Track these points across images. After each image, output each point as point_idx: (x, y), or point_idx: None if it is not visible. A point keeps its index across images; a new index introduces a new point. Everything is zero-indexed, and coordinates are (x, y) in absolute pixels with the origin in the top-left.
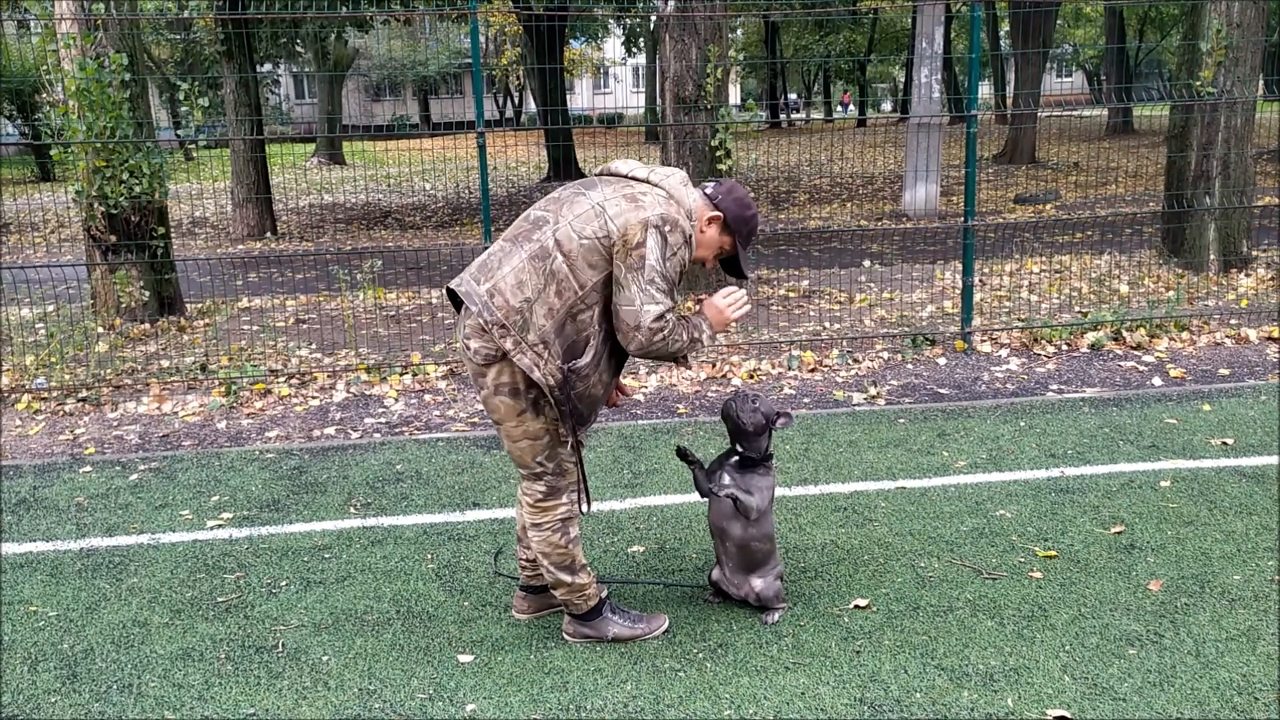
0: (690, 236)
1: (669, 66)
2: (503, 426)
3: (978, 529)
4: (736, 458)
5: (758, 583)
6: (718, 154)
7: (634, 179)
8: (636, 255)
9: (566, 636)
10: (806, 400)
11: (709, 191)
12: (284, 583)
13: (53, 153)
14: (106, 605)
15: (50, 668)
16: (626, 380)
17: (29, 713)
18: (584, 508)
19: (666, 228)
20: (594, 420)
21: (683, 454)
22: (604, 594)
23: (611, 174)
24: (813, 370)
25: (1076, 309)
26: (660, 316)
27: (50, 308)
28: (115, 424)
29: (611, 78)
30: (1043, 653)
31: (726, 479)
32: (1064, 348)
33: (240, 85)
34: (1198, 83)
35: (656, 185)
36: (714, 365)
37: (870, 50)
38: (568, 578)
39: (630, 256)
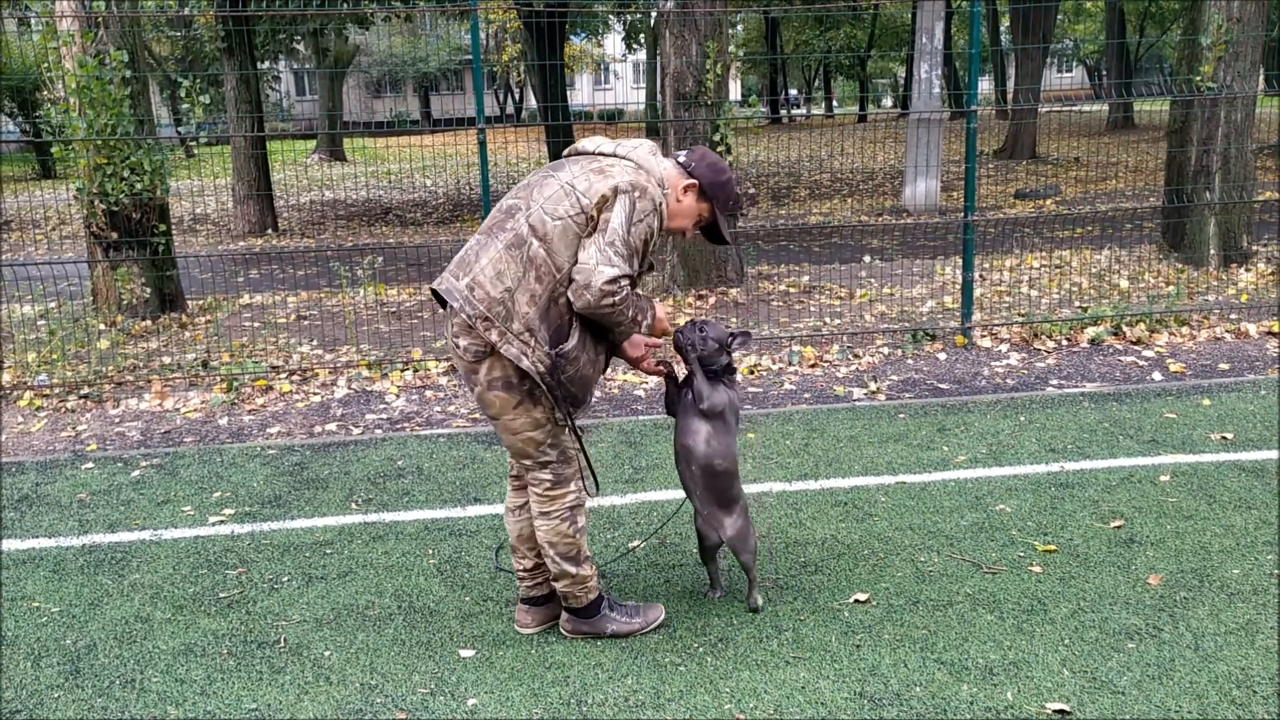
0: (660, 205)
1: (669, 62)
2: (500, 421)
3: (977, 523)
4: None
5: (729, 523)
6: (718, 149)
7: (601, 154)
8: (602, 219)
9: (565, 632)
10: (807, 395)
11: (682, 160)
12: (286, 578)
13: (54, 150)
14: (109, 601)
15: (53, 663)
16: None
17: (32, 708)
18: (592, 490)
19: (636, 193)
20: (589, 401)
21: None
22: (601, 592)
23: (579, 153)
24: (813, 365)
25: (1076, 304)
26: (614, 280)
27: (52, 304)
28: (117, 420)
29: (612, 74)
30: (1042, 647)
31: (688, 395)
32: (1064, 343)
33: (241, 82)
34: (1198, 78)
35: (624, 157)
36: None
37: (871, 46)
38: (573, 569)
39: (597, 221)
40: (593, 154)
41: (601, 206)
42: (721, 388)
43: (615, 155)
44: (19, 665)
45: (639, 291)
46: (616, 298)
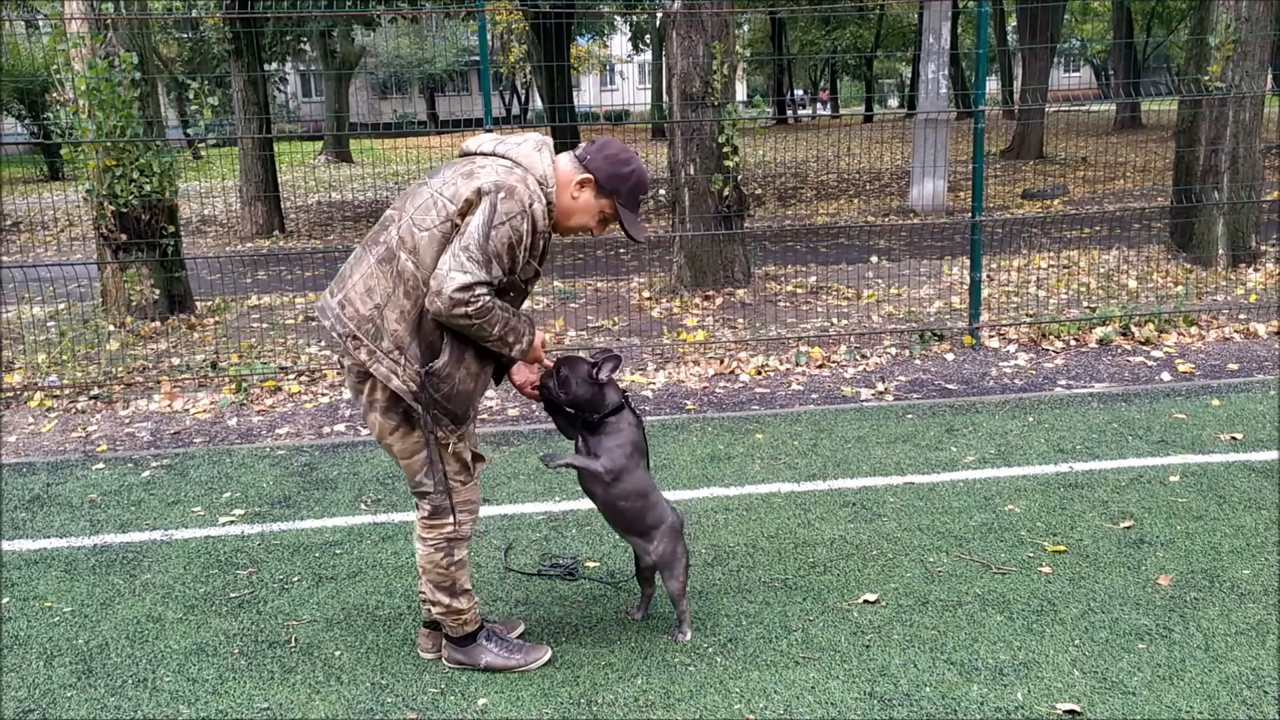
0: (530, 205)
1: (676, 63)
2: (383, 444)
3: (986, 524)
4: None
5: (652, 549)
6: (724, 150)
7: (480, 154)
8: (464, 223)
9: (445, 661)
10: (814, 396)
11: (578, 153)
12: (296, 578)
13: (63, 152)
14: (120, 601)
15: (65, 663)
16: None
17: (45, 708)
18: (464, 531)
19: (500, 194)
20: (473, 418)
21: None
22: (481, 623)
23: (463, 153)
24: (820, 366)
25: (1085, 304)
26: (466, 287)
27: (61, 306)
28: (127, 421)
29: (618, 75)
30: (1052, 647)
31: (579, 438)
32: (1072, 343)
33: (248, 84)
34: (1206, 77)
35: (502, 155)
36: (721, 361)
37: (877, 46)
38: (446, 599)
39: (461, 226)
40: (474, 154)
41: (465, 211)
42: (605, 441)
43: (493, 154)
44: (32, 665)
45: (519, 312)
46: (470, 307)
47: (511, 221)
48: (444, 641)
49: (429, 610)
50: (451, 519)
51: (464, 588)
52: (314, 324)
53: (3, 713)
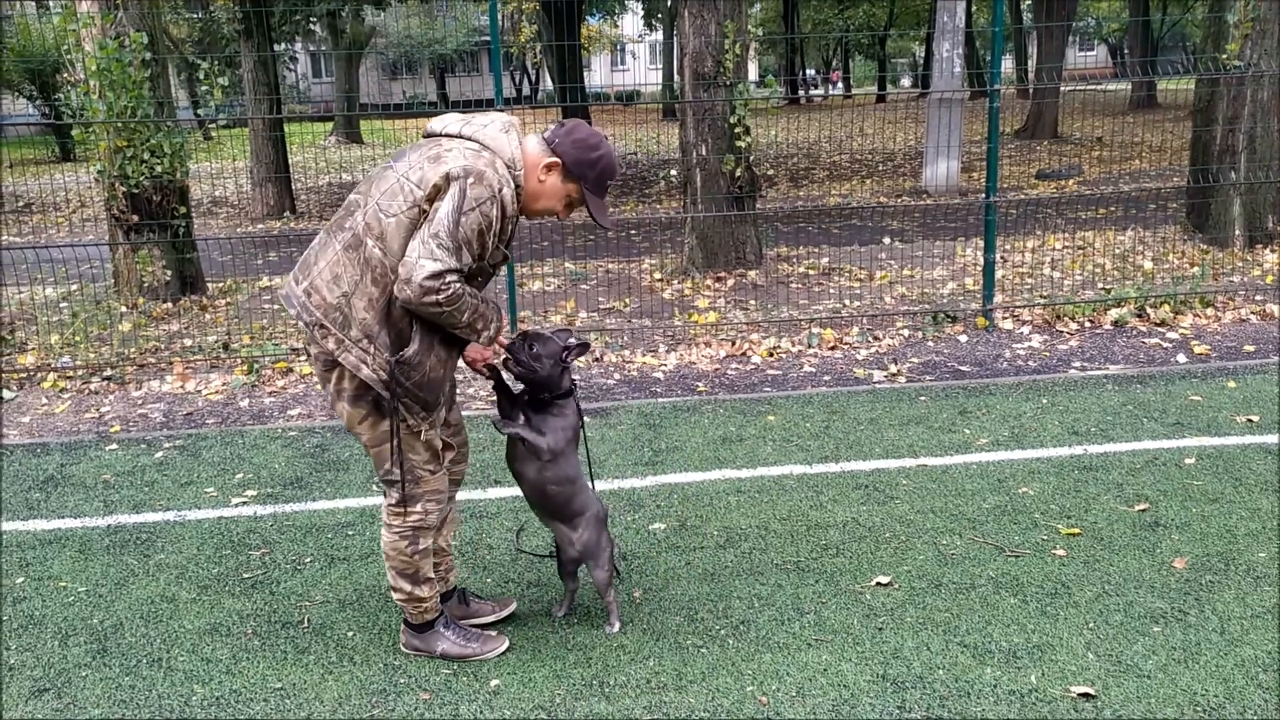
0: (499, 190)
1: (688, 42)
2: (353, 433)
3: (1000, 506)
4: (528, 395)
5: (575, 537)
6: (736, 131)
7: (446, 135)
8: (433, 209)
9: (403, 648)
10: (827, 378)
11: (546, 135)
12: (308, 559)
13: (74, 132)
14: (135, 581)
15: (80, 642)
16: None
17: (60, 686)
18: (431, 519)
19: (469, 180)
20: (442, 405)
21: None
22: (441, 611)
23: (428, 135)
24: (833, 348)
25: (1099, 285)
26: (437, 275)
27: (74, 287)
28: (140, 402)
29: (628, 54)
30: (1066, 630)
31: (521, 416)
32: (1087, 324)
33: (258, 64)
34: (1224, 56)
35: (469, 138)
36: (733, 343)
37: (890, 24)
38: (407, 586)
39: (429, 212)
40: (440, 135)
41: (433, 197)
42: (551, 420)
43: (459, 136)
44: (47, 644)
45: (486, 298)
46: (440, 295)
47: (481, 207)
48: (402, 627)
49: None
50: (419, 507)
51: (426, 576)
52: None
53: (19, 691)
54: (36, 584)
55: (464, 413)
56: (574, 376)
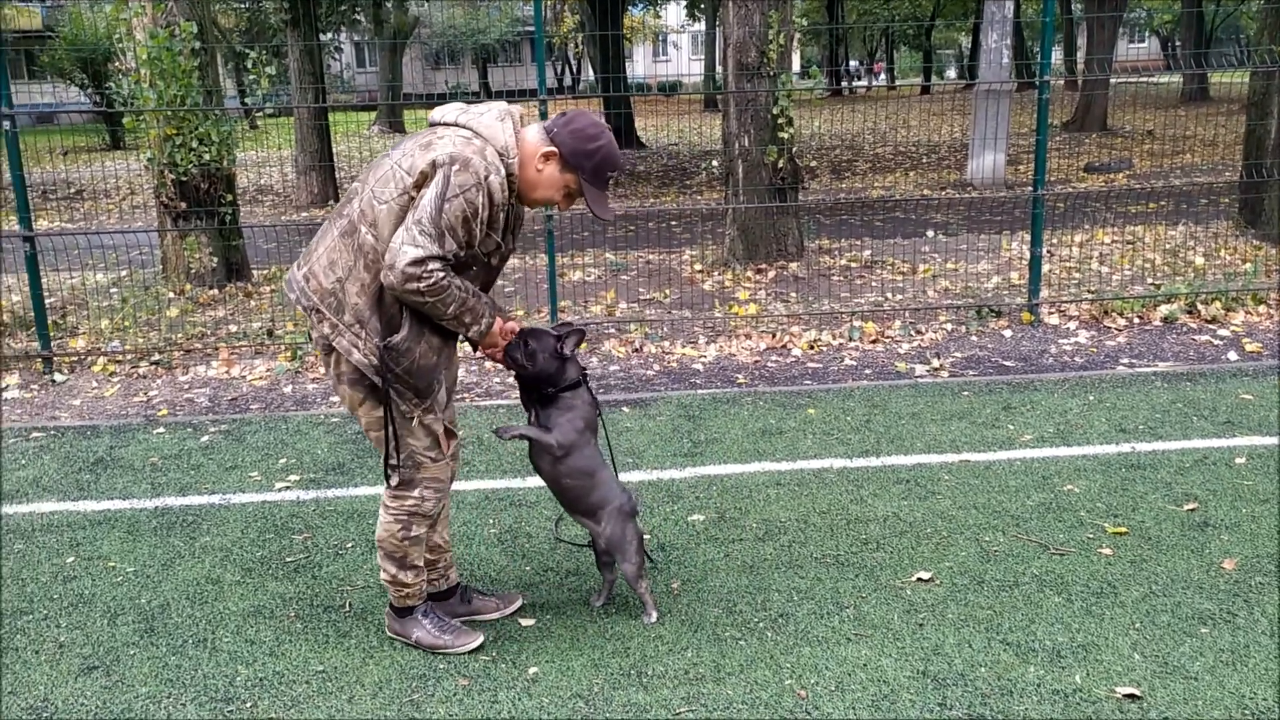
0: (486, 178)
1: (731, 32)
2: (354, 415)
3: (1044, 504)
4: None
5: (599, 530)
6: (779, 122)
7: (442, 124)
8: (418, 195)
9: (387, 630)
10: (868, 371)
11: (547, 124)
12: (350, 544)
13: (125, 120)
14: (181, 562)
15: (128, 621)
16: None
17: (109, 664)
18: (429, 507)
19: (454, 166)
20: (437, 390)
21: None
22: (424, 599)
23: (431, 124)
24: (874, 341)
25: (1149, 281)
26: (418, 262)
27: (123, 273)
28: (186, 387)
29: (670, 45)
30: (1112, 630)
31: (532, 413)
32: (1135, 321)
33: (304, 54)
34: (1279, 48)
35: (463, 126)
36: (774, 335)
37: (935, 15)
38: (393, 569)
39: (416, 198)
40: (438, 124)
41: (421, 184)
42: (557, 414)
43: (455, 124)
44: (96, 622)
45: (479, 293)
46: (422, 282)
47: (466, 194)
48: (387, 609)
49: (431, 581)
50: (416, 493)
51: (413, 563)
52: None
53: (69, 668)
54: (86, 563)
55: (504, 402)
56: (583, 367)
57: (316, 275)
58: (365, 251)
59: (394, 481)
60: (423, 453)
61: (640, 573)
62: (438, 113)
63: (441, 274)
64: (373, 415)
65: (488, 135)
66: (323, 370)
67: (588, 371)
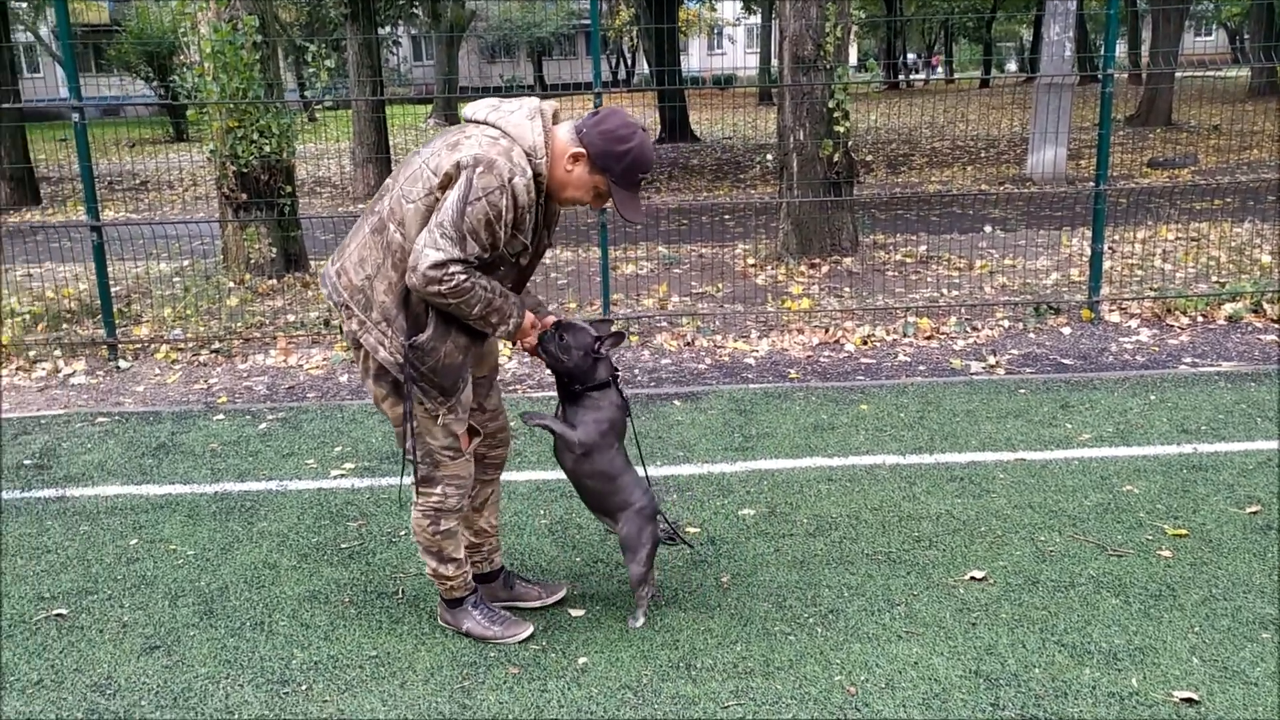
0: (510, 180)
1: (788, 25)
2: (380, 410)
3: (1102, 504)
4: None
5: (617, 527)
6: (835, 115)
7: (473, 121)
8: (443, 197)
9: (440, 620)
10: (922, 368)
11: (577, 124)
12: (403, 532)
13: (188, 113)
14: (239, 547)
15: (189, 603)
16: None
17: (169, 645)
18: (453, 504)
19: (477, 169)
20: (462, 389)
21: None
22: (473, 589)
23: (465, 120)
24: (929, 337)
25: (1214, 279)
26: (439, 265)
27: (185, 263)
28: (245, 375)
29: (725, 38)
30: (1170, 633)
31: (559, 407)
32: (1199, 319)
33: (362, 47)
34: None
35: (492, 124)
36: (826, 330)
37: (996, 7)
38: (433, 563)
39: (441, 198)
40: (469, 121)
41: (446, 184)
42: (583, 413)
43: (485, 122)
44: (157, 603)
45: (506, 293)
46: (443, 285)
47: (489, 197)
48: (439, 599)
49: (474, 564)
50: (438, 490)
51: (451, 556)
52: None
53: (131, 647)
54: (149, 546)
55: (555, 394)
56: (616, 368)
57: (347, 271)
58: (393, 250)
59: (414, 478)
60: (440, 451)
61: (645, 578)
62: (470, 109)
63: (464, 276)
64: (396, 411)
65: (515, 134)
66: (353, 364)
67: (619, 372)
